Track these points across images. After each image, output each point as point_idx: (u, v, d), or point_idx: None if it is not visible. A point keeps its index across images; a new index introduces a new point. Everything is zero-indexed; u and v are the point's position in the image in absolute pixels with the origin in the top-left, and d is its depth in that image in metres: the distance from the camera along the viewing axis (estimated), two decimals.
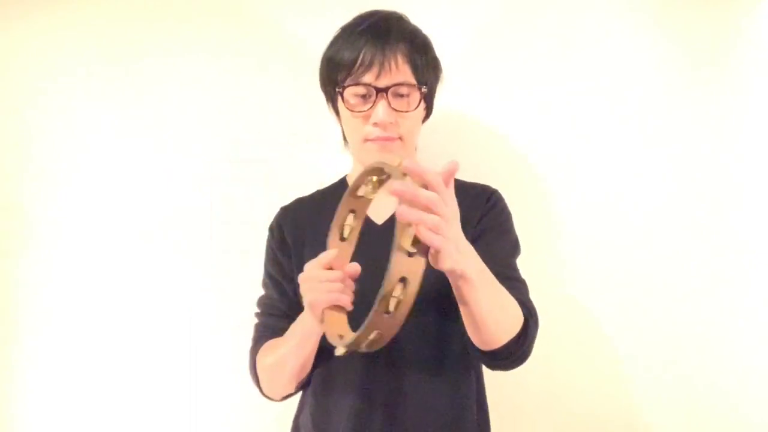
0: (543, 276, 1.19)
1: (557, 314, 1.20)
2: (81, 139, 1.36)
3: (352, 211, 0.83)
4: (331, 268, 0.79)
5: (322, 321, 0.80)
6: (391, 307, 0.65)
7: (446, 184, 0.68)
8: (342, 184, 1.08)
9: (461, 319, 0.89)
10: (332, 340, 0.77)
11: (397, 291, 0.65)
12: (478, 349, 0.85)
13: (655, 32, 1.24)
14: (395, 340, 0.90)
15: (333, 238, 0.83)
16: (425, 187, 0.66)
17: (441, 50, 1.00)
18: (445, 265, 0.68)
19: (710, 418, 1.21)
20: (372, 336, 0.68)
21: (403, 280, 0.64)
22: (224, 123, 1.33)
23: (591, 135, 1.24)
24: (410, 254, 0.64)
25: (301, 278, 0.80)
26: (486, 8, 1.26)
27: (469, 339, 0.84)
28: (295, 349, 0.90)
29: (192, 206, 1.32)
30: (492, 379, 0.99)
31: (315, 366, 0.96)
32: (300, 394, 1.02)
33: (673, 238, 1.22)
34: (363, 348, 0.70)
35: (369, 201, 0.82)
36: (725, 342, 1.21)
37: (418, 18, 0.99)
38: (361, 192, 0.80)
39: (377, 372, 0.91)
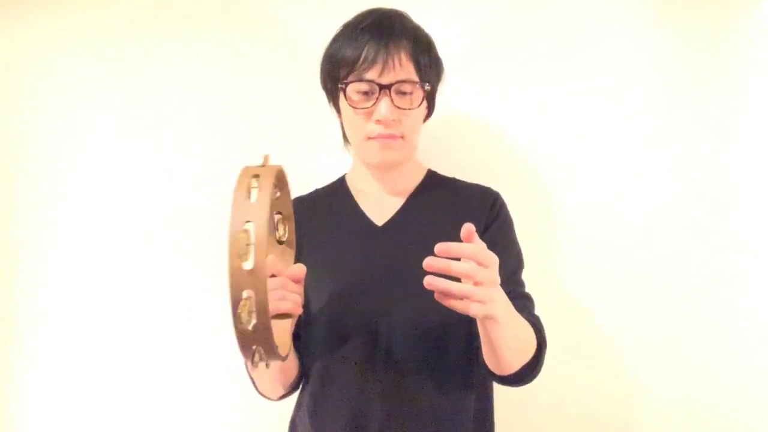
0: (543, 277, 1.19)
1: (558, 316, 1.20)
2: (81, 139, 1.36)
3: (278, 213, 0.82)
4: (273, 275, 0.78)
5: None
6: (245, 321, 0.64)
7: (471, 240, 0.70)
8: (341, 183, 1.07)
9: (461, 322, 0.89)
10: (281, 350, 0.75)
11: (244, 307, 0.64)
12: (491, 372, 0.87)
13: (656, 32, 1.24)
14: (394, 341, 0.91)
15: (271, 242, 0.81)
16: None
17: (442, 50, 1.00)
18: (479, 315, 0.70)
19: (714, 419, 1.21)
20: (257, 349, 0.66)
21: (247, 290, 0.63)
22: (224, 123, 1.33)
23: (591, 135, 1.24)
24: (246, 268, 0.63)
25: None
26: (486, 8, 1.26)
27: (477, 357, 0.87)
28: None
29: (192, 206, 1.32)
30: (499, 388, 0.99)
31: (311, 366, 0.96)
32: (299, 391, 1.02)
33: (673, 238, 1.22)
34: (264, 361, 0.68)
35: (286, 199, 0.81)
36: (727, 342, 1.21)
37: (418, 17, 0.99)
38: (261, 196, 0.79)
39: (375, 372, 0.91)
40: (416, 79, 0.93)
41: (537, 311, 0.95)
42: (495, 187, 1.04)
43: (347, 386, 0.92)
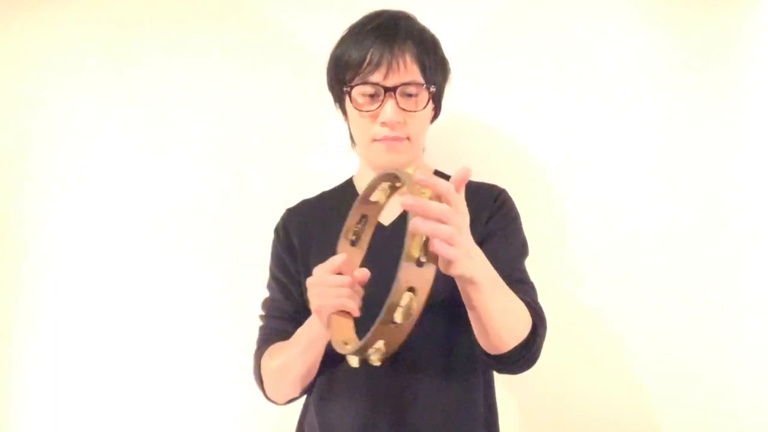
0: (551, 276, 1.19)
1: (565, 315, 1.20)
2: (81, 139, 1.36)
3: (364, 217, 0.83)
4: (340, 273, 0.79)
5: (328, 326, 0.80)
6: (397, 318, 0.64)
7: (458, 190, 0.68)
8: (348, 185, 1.07)
9: (469, 324, 0.89)
10: (337, 346, 0.76)
11: (405, 300, 0.64)
12: (485, 353, 0.85)
13: (658, 32, 1.24)
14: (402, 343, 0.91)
15: (343, 242, 0.83)
16: (438, 198, 0.66)
17: (448, 50, 1.00)
18: (456, 271, 0.68)
19: (722, 418, 1.21)
20: (377, 345, 0.67)
21: (411, 289, 0.64)
22: (228, 124, 1.33)
23: (596, 135, 1.24)
24: (419, 263, 0.64)
25: (309, 282, 0.80)
26: (491, 9, 1.26)
27: (476, 342, 0.84)
28: (301, 353, 0.90)
29: (196, 208, 1.32)
30: (502, 381, 0.99)
31: (320, 369, 0.95)
32: (304, 396, 1.01)
33: (679, 237, 1.22)
34: (371, 357, 0.69)
35: (381, 207, 0.82)
36: (737, 343, 1.21)
37: (424, 18, 0.99)
38: (374, 198, 0.80)
39: (384, 374, 0.89)
40: (421, 81, 0.92)
41: (545, 314, 0.93)
42: (502, 187, 1.03)
43: (355, 387, 0.92)
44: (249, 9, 1.33)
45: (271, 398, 0.99)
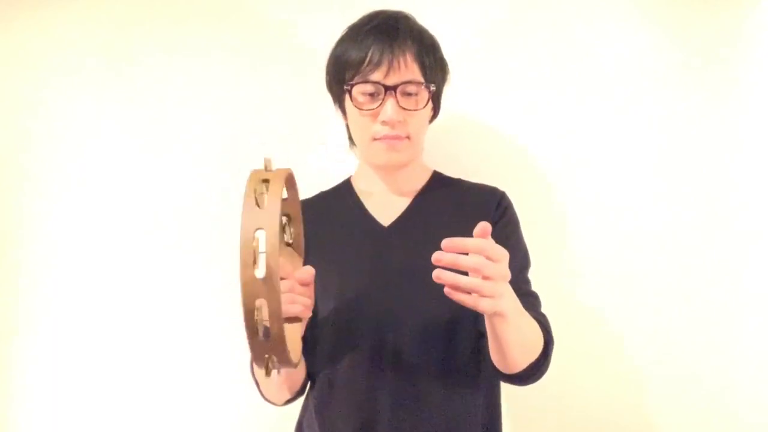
0: (551, 276, 1.20)
1: (565, 315, 1.19)
2: (81, 139, 1.36)
3: (287, 216, 0.81)
4: (307, 284, 0.79)
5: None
6: (260, 333, 0.63)
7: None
8: (347, 185, 1.07)
9: (469, 327, 0.89)
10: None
11: (258, 316, 0.63)
12: (498, 370, 0.87)
13: (657, 32, 1.24)
14: (401, 342, 0.91)
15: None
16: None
17: (447, 51, 1.01)
18: (488, 311, 0.70)
19: (722, 420, 1.21)
20: (270, 357, 0.66)
21: (260, 300, 0.63)
22: (228, 124, 1.32)
23: (596, 135, 1.24)
24: (259, 276, 0.62)
25: None
26: (490, 8, 1.26)
27: (486, 355, 0.86)
28: None
29: (196, 208, 1.32)
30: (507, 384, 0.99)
31: (318, 369, 0.96)
32: (303, 396, 1.01)
33: (679, 238, 1.22)
34: (277, 369, 0.68)
35: (294, 201, 0.80)
36: (737, 343, 1.21)
37: (423, 18, 1.00)
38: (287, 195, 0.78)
39: (383, 374, 0.91)
40: (421, 80, 0.93)
41: (543, 311, 0.95)
42: (501, 188, 1.04)
43: (355, 388, 0.92)
44: (249, 9, 1.33)
45: (267, 399, 0.99)
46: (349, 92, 0.93)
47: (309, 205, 1.06)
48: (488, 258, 0.68)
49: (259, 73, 1.32)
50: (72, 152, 1.36)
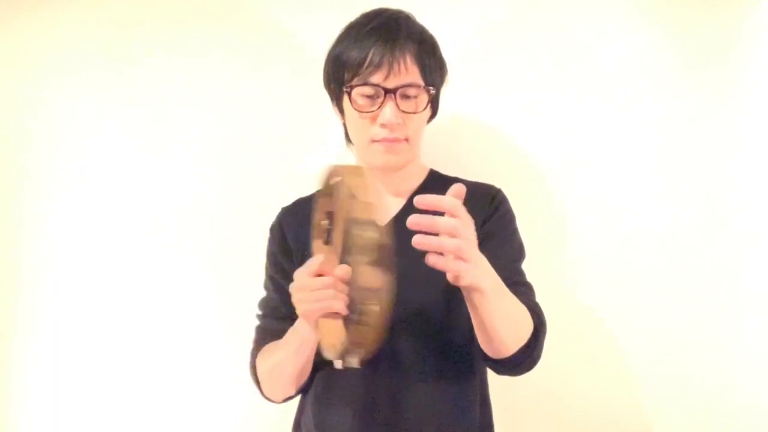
0: (550, 276, 1.20)
1: (565, 315, 1.20)
2: (81, 139, 1.36)
3: (329, 213, 0.82)
4: (321, 274, 0.78)
5: (317, 329, 0.80)
6: (367, 320, 0.66)
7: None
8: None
9: (464, 322, 0.89)
10: (325, 350, 0.77)
11: (370, 301, 0.66)
12: (487, 357, 0.85)
13: (657, 32, 1.24)
14: (397, 339, 0.91)
15: (317, 242, 0.82)
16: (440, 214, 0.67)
17: (446, 51, 1.00)
18: (464, 282, 0.69)
19: (722, 420, 1.20)
20: (348, 345, 0.69)
21: (372, 289, 0.65)
22: (228, 124, 1.32)
23: (596, 135, 1.24)
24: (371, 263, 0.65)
25: (292, 288, 0.80)
26: (490, 9, 1.26)
27: (478, 346, 0.85)
28: (292, 355, 0.90)
29: (196, 208, 1.32)
30: (496, 380, 0.99)
31: (316, 368, 0.96)
32: (300, 394, 1.02)
33: (679, 238, 1.22)
34: (349, 360, 0.70)
35: (341, 201, 0.81)
36: (737, 343, 1.21)
37: (422, 18, 0.99)
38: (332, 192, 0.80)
39: (380, 374, 0.91)
40: (421, 82, 0.92)
41: (545, 310, 0.93)
42: (500, 187, 1.03)
43: (352, 387, 0.92)
44: (249, 9, 1.33)
45: (268, 397, 0.99)
46: (348, 94, 0.92)
47: (306, 203, 1.06)
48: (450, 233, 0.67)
49: (259, 73, 1.32)
50: (72, 152, 1.36)
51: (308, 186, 1.10)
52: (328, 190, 0.79)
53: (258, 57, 1.32)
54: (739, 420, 1.20)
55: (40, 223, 1.36)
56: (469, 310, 0.78)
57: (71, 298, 1.34)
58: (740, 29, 1.22)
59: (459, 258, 0.66)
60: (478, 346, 0.85)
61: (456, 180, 1.05)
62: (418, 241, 0.64)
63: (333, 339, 0.78)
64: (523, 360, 0.84)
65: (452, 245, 0.65)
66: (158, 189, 1.33)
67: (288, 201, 1.08)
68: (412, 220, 0.65)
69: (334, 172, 0.76)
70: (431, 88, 0.93)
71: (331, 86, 0.98)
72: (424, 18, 1.00)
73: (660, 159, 1.23)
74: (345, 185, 0.70)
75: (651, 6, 1.24)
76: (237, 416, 1.29)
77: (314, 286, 0.77)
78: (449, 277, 0.68)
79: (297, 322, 0.88)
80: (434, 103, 1.01)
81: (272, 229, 1.05)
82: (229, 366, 1.27)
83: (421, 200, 0.67)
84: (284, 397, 0.99)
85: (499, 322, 0.78)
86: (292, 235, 1.02)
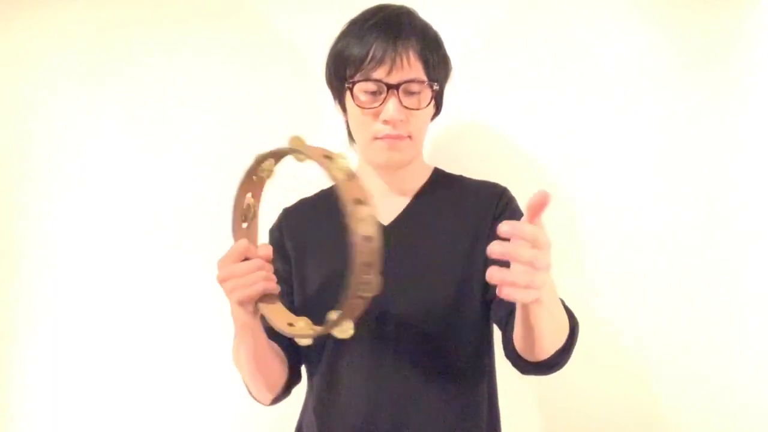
0: (553, 278, 1.19)
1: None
2: (81, 139, 1.36)
3: (252, 195, 0.82)
4: (246, 258, 0.78)
5: (256, 314, 0.80)
6: (364, 293, 0.68)
7: (536, 216, 0.64)
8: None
9: (471, 323, 0.87)
10: (283, 330, 0.76)
11: (368, 277, 0.68)
12: (520, 358, 0.83)
13: (657, 32, 1.24)
14: (402, 341, 0.90)
15: (237, 226, 0.81)
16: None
17: (450, 48, 0.99)
18: (531, 300, 0.65)
19: (722, 420, 1.20)
20: (346, 323, 0.70)
21: (368, 264, 0.67)
22: (228, 124, 1.33)
23: (596, 135, 1.24)
24: (369, 239, 0.67)
25: (219, 279, 0.78)
26: (490, 9, 1.26)
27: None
28: (239, 346, 0.87)
29: (196, 208, 1.32)
30: (501, 381, 0.99)
31: (317, 370, 0.95)
32: (305, 395, 1.01)
33: (679, 238, 1.22)
34: (336, 334, 0.71)
35: (264, 183, 0.82)
36: (737, 343, 1.20)
37: (426, 14, 0.98)
38: (257, 175, 0.80)
39: (384, 374, 0.90)
40: (425, 78, 0.91)
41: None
42: (504, 185, 1.02)
43: (356, 389, 0.91)
44: (249, 9, 1.33)
45: (257, 399, 0.97)
46: (351, 90, 0.91)
47: (308, 204, 1.06)
48: (536, 246, 0.62)
49: (259, 73, 1.32)
50: (72, 152, 1.36)
51: (308, 186, 1.10)
52: (254, 173, 0.79)
53: (258, 57, 1.32)
54: (739, 420, 1.20)
55: (40, 223, 1.36)
56: (519, 317, 0.75)
57: (71, 299, 1.34)
58: (740, 29, 1.22)
59: (535, 288, 0.62)
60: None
61: (460, 179, 1.05)
62: (503, 279, 0.61)
63: (285, 318, 0.78)
64: (558, 361, 0.82)
65: (533, 281, 0.61)
66: (158, 189, 1.33)
67: (287, 201, 1.08)
68: (493, 249, 0.62)
69: (277, 153, 0.75)
70: (435, 83, 0.92)
71: (333, 83, 0.97)
72: (429, 14, 0.99)
73: (660, 159, 1.23)
74: (337, 169, 0.69)
75: (651, 6, 1.24)
76: (237, 417, 1.29)
77: (244, 271, 0.76)
78: (502, 291, 0.63)
79: (231, 312, 0.83)
80: (438, 100, 0.99)
81: (271, 232, 1.04)
82: (229, 367, 1.27)
83: (506, 228, 0.62)
84: (268, 400, 0.95)
85: (549, 329, 0.75)
86: (291, 238, 1.01)
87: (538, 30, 1.25)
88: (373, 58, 0.87)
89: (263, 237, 1.05)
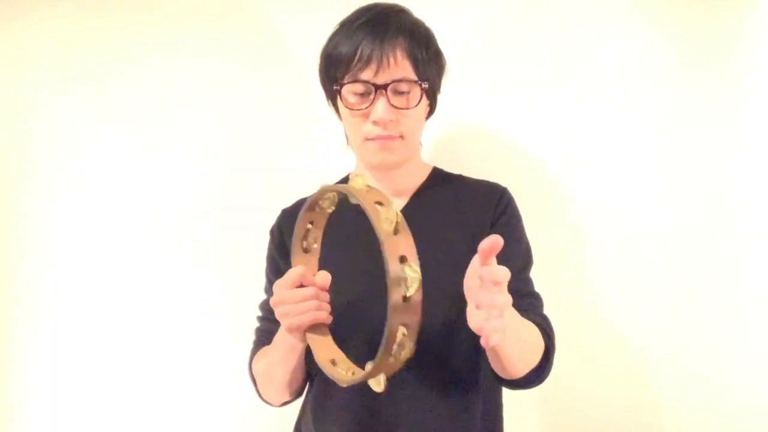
0: (550, 276, 1.19)
1: (565, 315, 1.19)
2: (81, 139, 1.36)
3: (311, 223, 0.81)
4: (301, 285, 0.77)
5: (304, 342, 0.79)
6: (396, 353, 0.65)
7: (488, 257, 0.65)
8: (345, 183, 1.06)
9: (469, 333, 0.87)
10: (324, 367, 0.76)
11: (399, 338, 0.64)
12: (498, 377, 0.85)
13: (657, 32, 1.24)
14: None
15: (297, 252, 0.80)
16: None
17: (448, 47, 0.99)
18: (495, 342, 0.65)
19: (722, 420, 1.20)
20: (379, 377, 0.68)
21: (404, 325, 0.64)
22: (228, 124, 1.32)
23: (596, 135, 1.24)
24: (406, 299, 0.63)
25: (273, 303, 0.78)
26: (490, 9, 1.26)
27: (490, 368, 0.85)
28: (279, 361, 0.89)
29: (196, 208, 1.32)
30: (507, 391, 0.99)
31: (316, 371, 0.94)
32: (302, 398, 1.01)
33: (679, 238, 1.22)
34: (372, 386, 0.69)
35: (327, 214, 0.81)
36: (737, 343, 1.20)
37: (424, 14, 0.98)
38: (319, 206, 0.79)
39: None
40: (413, 77, 0.89)
41: (546, 311, 0.94)
42: (503, 184, 1.02)
43: (352, 391, 0.90)
44: (249, 9, 1.33)
45: (266, 400, 0.98)
46: (339, 92, 0.90)
47: (301, 208, 1.05)
48: (497, 283, 0.64)
49: (259, 73, 1.32)
50: (72, 152, 1.36)
51: (308, 186, 1.10)
52: (316, 204, 0.78)
53: (258, 57, 1.32)
54: (739, 420, 1.20)
55: (40, 223, 1.36)
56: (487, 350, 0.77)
57: (71, 299, 1.34)
58: (740, 29, 1.22)
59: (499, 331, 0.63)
60: (485, 358, 0.85)
61: (459, 178, 1.04)
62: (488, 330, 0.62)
63: (328, 354, 0.77)
64: (534, 379, 0.84)
65: (500, 324, 0.63)
66: (158, 189, 1.33)
67: (288, 201, 1.08)
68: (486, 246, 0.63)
69: (335, 190, 0.73)
70: (424, 82, 0.91)
71: (325, 85, 0.96)
72: (424, 18, 0.98)
73: (660, 159, 1.23)
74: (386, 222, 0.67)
75: (651, 6, 1.24)
76: (237, 418, 1.29)
77: (296, 299, 0.76)
78: (484, 334, 0.64)
79: (280, 332, 0.85)
80: (431, 99, 0.98)
81: (272, 232, 1.04)
82: (231, 367, 1.27)
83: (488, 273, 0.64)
84: (280, 401, 0.97)
85: (514, 354, 0.77)
86: (289, 237, 1.00)
87: (538, 30, 1.25)
88: (360, 58, 0.86)
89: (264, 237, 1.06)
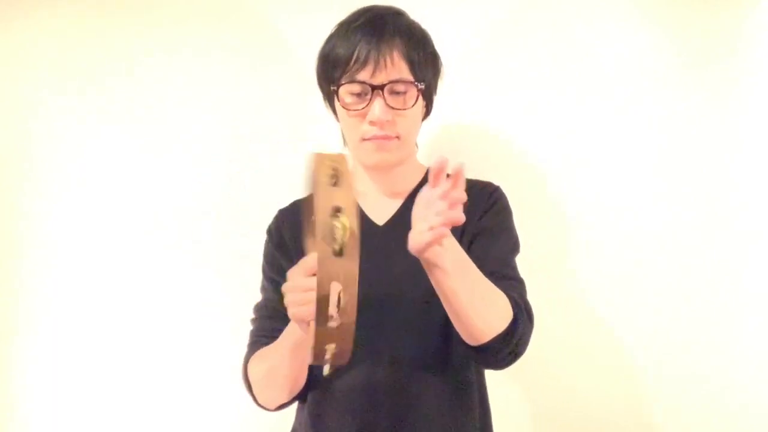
0: (550, 276, 1.20)
1: (564, 314, 1.20)
2: (81, 139, 1.36)
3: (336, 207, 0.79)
4: (314, 274, 0.75)
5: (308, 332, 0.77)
6: (334, 317, 0.61)
7: (437, 179, 0.71)
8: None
9: None
10: (312, 357, 0.72)
11: (334, 298, 0.60)
12: (466, 345, 0.83)
13: (657, 32, 1.24)
14: (398, 341, 0.91)
15: (310, 239, 0.79)
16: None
17: (445, 48, 1.00)
18: (425, 254, 0.70)
19: (722, 420, 1.20)
20: (329, 349, 0.63)
21: (338, 281, 0.60)
22: (228, 124, 1.32)
23: (596, 135, 1.24)
24: (336, 254, 0.59)
25: (285, 288, 0.77)
26: (490, 9, 1.26)
27: (458, 335, 0.83)
28: (286, 359, 0.88)
29: (196, 208, 1.32)
30: (501, 381, 0.99)
31: (314, 373, 0.94)
32: (297, 402, 0.99)
33: (679, 238, 1.22)
34: (329, 362, 0.65)
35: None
36: (737, 343, 1.20)
37: (422, 18, 0.98)
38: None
39: (380, 377, 0.90)
40: (410, 78, 0.91)
41: (544, 312, 0.93)
42: (498, 184, 1.02)
43: (351, 390, 0.91)
44: (249, 9, 1.33)
45: (261, 404, 0.96)
46: (336, 92, 0.92)
47: (298, 208, 1.03)
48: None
49: (259, 73, 1.32)
50: (72, 152, 1.36)
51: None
52: (332, 181, 0.73)
53: (258, 57, 1.32)
54: (739, 420, 1.20)
55: (40, 223, 1.36)
56: (437, 291, 0.77)
57: (71, 299, 1.34)
58: (740, 29, 1.22)
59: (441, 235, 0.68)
60: (459, 337, 0.84)
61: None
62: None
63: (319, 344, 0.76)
64: (502, 348, 0.81)
65: (457, 217, 0.67)
66: (158, 189, 1.33)
67: (287, 201, 1.08)
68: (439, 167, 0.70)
69: (323, 161, 0.68)
70: (421, 83, 0.92)
71: (323, 85, 0.97)
72: (424, 18, 0.99)
73: (660, 159, 1.23)
74: (325, 173, 0.63)
75: (651, 6, 1.24)
76: (236, 418, 1.28)
77: (307, 286, 0.74)
78: (409, 243, 0.70)
79: (289, 325, 0.85)
80: (427, 100, 0.99)
81: (269, 231, 1.04)
82: (231, 367, 1.27)
83: (436, 164, 0.72)
84: (277, 404, 0.96)
85: (466, 302, 0.77)
86: (290, 236, 1.00)
87: (538, 30, 1.25)
88: (357, 59, 0.88)
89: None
